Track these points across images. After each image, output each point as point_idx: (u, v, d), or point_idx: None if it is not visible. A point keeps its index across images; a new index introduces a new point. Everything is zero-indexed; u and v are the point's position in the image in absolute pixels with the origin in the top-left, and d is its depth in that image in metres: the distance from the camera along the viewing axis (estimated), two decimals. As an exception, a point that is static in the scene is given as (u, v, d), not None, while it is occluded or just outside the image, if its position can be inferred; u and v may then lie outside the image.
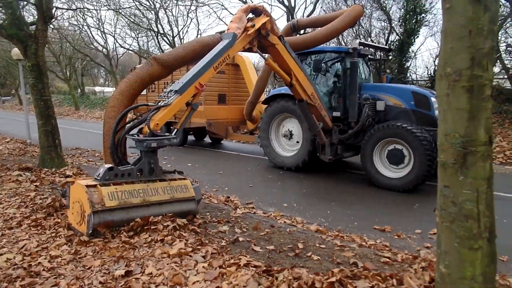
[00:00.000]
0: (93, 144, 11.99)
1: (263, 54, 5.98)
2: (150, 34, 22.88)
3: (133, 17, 20.69)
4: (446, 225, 2.11)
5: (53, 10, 7.21)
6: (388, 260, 3.71)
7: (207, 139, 13.57)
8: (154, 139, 4.13)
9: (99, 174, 3.88)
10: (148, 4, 19.43)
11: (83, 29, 24.21)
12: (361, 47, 7.49)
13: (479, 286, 2.06)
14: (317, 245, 4.10)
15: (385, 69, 9.25)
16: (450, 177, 2.04)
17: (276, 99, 8.49)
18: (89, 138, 14.19)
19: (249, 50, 5.61)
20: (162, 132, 4.36)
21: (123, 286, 2.73)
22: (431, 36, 17.71)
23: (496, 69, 12.20)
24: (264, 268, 3.11)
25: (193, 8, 20.21)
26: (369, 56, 8.52)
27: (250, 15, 5.58)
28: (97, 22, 24.06)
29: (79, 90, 33.87)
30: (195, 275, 2.94)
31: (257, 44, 5.59)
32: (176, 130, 4.48)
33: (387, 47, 10.45)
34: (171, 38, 21.42)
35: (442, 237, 2.17)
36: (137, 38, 24.79)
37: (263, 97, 10.13)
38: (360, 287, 2.36)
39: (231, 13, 43.90)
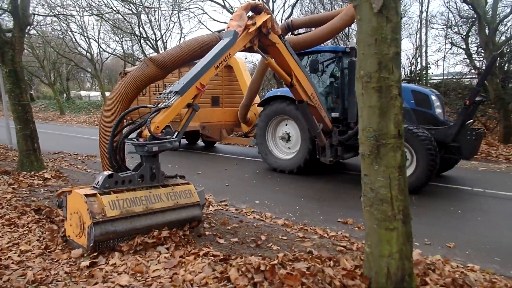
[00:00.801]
0: (76, 148, 12.11)
1: (264, 55, 5.81)
2: (134, 38, 22.98)
3: (115, 22, 20.78)
4: (367, 209, 2.39)
5: (31, 17, 7.35)
6: (343, 248, 3.99)
7: (200, 143, 13.43)
8: (155, 142, 3.90)
9: (98, 182, 3.61)
10: (130, 8, 19.53)
11: (67, 34, 24.22)
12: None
13: (396, 263, 2.35)
14: (280, 237, 4.37)
15: None
16: (368, 166, 2.33)
17: (272, 102, 8.36)
18: (72, 142, 14.26)
19: (250, 49, 5.45)
20: (163, 135, 4.11)
21: (87, 275, 2.95)
22: (407, 37, 18.37)
23: (466, 70, 12.76)
24: (222, 257, 3.36)
25: (175, 12, 20.39)
26: None
27: (250, 13, 5.42)
28: (80, 27, 23.97)
29: (64, 95, 33.71)
30: (156, 264, 3.17)
31: (257, 43, 5.45)
32: (177, 132, 4.27)
33: None
34: (154, 42, 21.57)
35: (366, 220, 2.45)
36: (121, 42, 24.92)
37: (257, 99, 10.02)
38: (297, 267, 2.63)
39: (211, 17, 44.08)
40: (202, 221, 4.48)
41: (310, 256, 2.90)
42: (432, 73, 15.11)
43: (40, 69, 28.18)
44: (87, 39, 24.66)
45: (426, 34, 15.64)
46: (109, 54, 25.83)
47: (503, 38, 12.02)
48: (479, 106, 6.84)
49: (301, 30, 9.33)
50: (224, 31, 5.31)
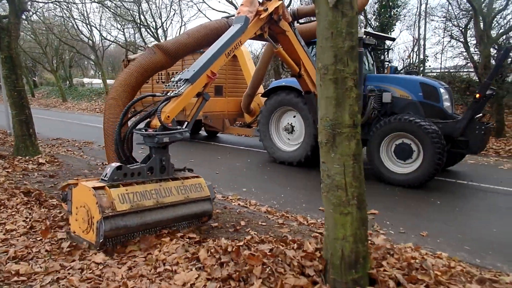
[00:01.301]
0: (75, 134, 12.28)
1: (274, 43, 5.64)
2: (135, 26, 22.97)
3: (116, 9, 20.78)
4: (324, 194, 2.52)
5: (27, 3, 7.45)
6: (318, 234, 4.13)
7: (203, 132, 13.42)
8: (166, 133, 3.73)
9: (106, 174, 3.44)
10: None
11: (69, 21, 24.27)
12: (365, 36, 7.17)
13: (350, 245, 2.49)
14: (259, 223, 4.53)
15: (389, 59, 8.95)
16: (325, 154, 2.45)
17: (277, 92, 8.20)
18: (72, 129, 14.44)
19: (260, 37, 5.28)
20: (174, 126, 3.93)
21: (66, 253, 3.13)
22: (406, 29, 18.30)
23: (463, 62, 12.73)
24: (197, 239, 3.52)
25: (175, 0, 20.36)
26: (373, 45, 8.19)
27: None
28: (82, 14, 24.05)
29: (67, 82, 33.89)
30: (133, 245, 3.34)
31: (267, 31, 5.29)
32: (187, 123, 4.12)
33: (391, 36, 10.05)
34: (155, 30, 21.59)
35: (324, 205, 2.58)
36: (123, 29, 24.95)
37: (261, 89, 9.83)
38: (261, 248, 2.78)
39: (209, 6, 43.95)
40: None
41: (275, 239, 3.05)
42: (430, 66, 15.10)
43: (43, 55, 28.31)
44: (88, 26, 24.73)
45: (425, 27, 15.56)
46: (110, 42, 25.89)
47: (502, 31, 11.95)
48: (489, 99, 6.58)
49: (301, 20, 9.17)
50: (232, 17, 5.20)
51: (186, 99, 4.03)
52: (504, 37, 10.92)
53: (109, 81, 36.26)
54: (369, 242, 3.24)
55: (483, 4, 9.93)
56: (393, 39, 8.92)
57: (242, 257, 2.76)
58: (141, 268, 2.87)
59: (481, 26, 9.74)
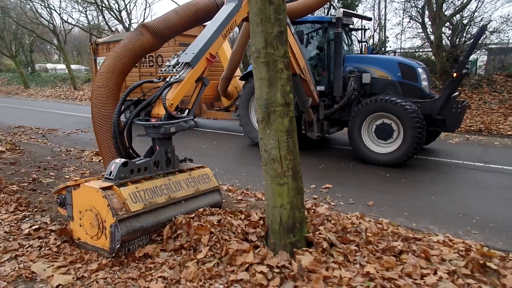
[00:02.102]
0: (39, 122, 12.01)
1: None
2: (97, 8, 22.15)
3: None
4: (263, 167, 2.78)
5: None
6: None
7: None
8: (171, 122, 3.47)
9: (110, 172, 3.13)
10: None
11: (26, 3, 23.08)
12: (343, 16, 7.00)
13: (287, 212, 2.77)
14: (219, 200, 4.78)
15: (366, 39, 8.79)
16: (262, 131, 2.69)
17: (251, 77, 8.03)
18: (36, 116, 14.06)
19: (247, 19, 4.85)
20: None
21: (26, 234, 3.26)
22: (369, 11, 18.58)
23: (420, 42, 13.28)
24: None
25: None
26: (350, 25, 8.05)
27: None
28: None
29: (29, 68, 32.43)
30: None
31: None
32: (188, 110, 3.87)
33: (368, 16, 9.99)
34: (118, 13, 20.94)
35: (264, 178, 2.85)
36: (85, 12, 24.02)
37: (238, 72, 9.60)
38: (209, 219, 3.03)
39: None
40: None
41: (224, 211, 3.31)
42: (390, 46, 15.59)
43: (0, 40, 26.90)
44: (47, 9, 23.62)
45: (385, 8, 15.98)
46: (72, 26, 24.90)
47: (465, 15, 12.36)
48: (463, 77, 6.69)
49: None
50: None
51: (188, 84, 3.77)
52: (456, 17, 11.46)
53: (73, 66, 35.07)
54: (312, 211, 3.58)
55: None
56: (370, 19, 8.92)
57: (193, 228, 3.00)
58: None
59: (434, 7, 10.19)
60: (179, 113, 3.72)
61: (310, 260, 2.64)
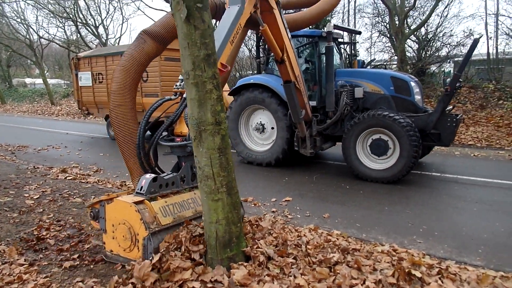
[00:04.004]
0: (11, 139, 11.84)
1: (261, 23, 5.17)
2: (77, 24, 22.09)
3: (54, 6, 19.89)
4: (199, 184, 2.86)
5: None
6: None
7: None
8: None
9: (141, 187, 3.29)
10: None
11: (1, 18, 22.80)
12: (334, 30, 7.01)
13: (223, 227, 2.85)
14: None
15: (356, 53, 8.80)
16: (196, 149, 2.79)
17: (244, 90, 7.74)
18: (8, 132, 13.84)
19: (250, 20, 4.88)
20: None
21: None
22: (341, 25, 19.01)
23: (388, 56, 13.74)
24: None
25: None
26: (339, 39, 8.02)
27: None
28: (15, 11, 22.65)
29: (6, 83, 31.89)
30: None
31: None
32: None
33: (357, 30, 10.09)
34: (94, 28, 20.92)
35: (200, 194, 2.93)
36: (63, 27, 23.88)
37: (226, 87, 9.47)
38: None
39: (146, 4, 42.99)
40: (84, 200, 4.62)
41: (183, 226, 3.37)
42: (361, 58, 16.00)
43: (-24, 55, 26.50)
44: (24, 25, 23.43)
45: (354, 22, 16.48)
46: (49, 41, 24.67)
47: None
48: (457, 91, 6.67)
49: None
50: None
51: None
52: (421, 31, 11.95)
53: (53, 81, 34.70)
54: (255, 225, 3.67)
55: (397, 4, 10.83)
56: (359, 33, 9.09)
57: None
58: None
59: (397, 23, 10.59)
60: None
61: (243, 274, 2.72)
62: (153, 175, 3.38)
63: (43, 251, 3.62)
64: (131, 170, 4.16)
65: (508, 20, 15.16)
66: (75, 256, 3.49)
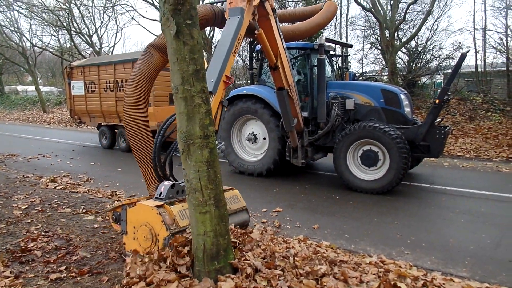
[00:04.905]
0: (1, 147, 11.75)
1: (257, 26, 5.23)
2: (71, 32, 22.10)
3: (47, 14, 19.90)
4: (187, 197, 2.88)
5: None
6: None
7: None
8: None
9: (160, 193, 3.62)
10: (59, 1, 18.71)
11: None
12: (326, 43, 7.21)
13: (211, 240, 2.86)
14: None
15: (347, 65, 8.93)
16: (184, 161, 2.81)
17: (237, 100, 7.82)
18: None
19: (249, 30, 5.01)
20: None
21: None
22: (333, 37, 19.25)
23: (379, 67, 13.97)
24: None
25: (109, 6, 19.94)
26: (331, 52, 8.21)
27: None
28: (9, 19, 22.55)
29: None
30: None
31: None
32: (215, 131, 4.08)
33: (349, 43, 10.24)
34: (88, 37, 20.95)
35: (188, 207, 2.95)
36: (57, 35, 23.84)
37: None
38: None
39: (140, 14, 43.81)
40: (74, 210, 4.89)
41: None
42: (353, 70, 16.29)
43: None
44: (16, 32, 23.38)
45: (346, 34, 16.78)
46: (42, 50, 24.61)
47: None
48: (445, 104, 6.80)
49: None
50: (217, 4, 4.97)
51: (214, 111, 3.97)
52: (412, 44, 12.20)
53: (46, 88, 34.48)
54: (246, 236, 3.68)
55: (387, 18, 11.06)
56: (351, 46, 9.29)
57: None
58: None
59: (387, 36, 10.81)
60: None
61: (231, 286, 2.73)
62: (171, 182, 3.70)
63: (30, 263, 3.59)
64: (147, 179, 4.38)
65: (495, 34, 15.56)
66: (62, 268, 3.47)
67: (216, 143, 3.92)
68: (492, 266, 3.82)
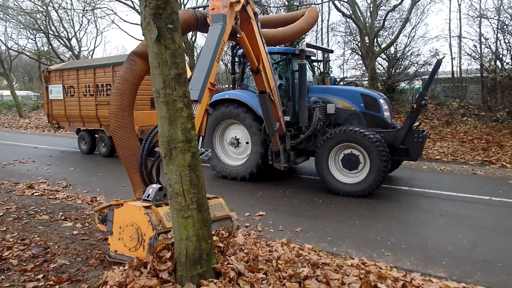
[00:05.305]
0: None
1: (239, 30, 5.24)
2: (50, 35, 21.59)
3: (24, 17, 19.38)
4: (170, 202, 2.86)
5: None
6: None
7: None
8: None
9: (148, 195, 3.70)
10: (36, 4, 18.29)
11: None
12: (307, 48, 7.28)
13: (193, 244, 2.85)
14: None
15: (328, 70, 9.08)
16: (166, 166, 2.80)
17: (220, 105, 7.81)
18: (-29, 146, 13.24)
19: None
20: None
21: None
22: (315, 42, 19.50)
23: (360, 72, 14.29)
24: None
25: (88, 9, 19.63)
26: (312, 57, 8.32)
27: None
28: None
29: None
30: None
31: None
32: (201, 138, 4.22)
33: (330, 48, 10.37)
34: (67, 40, 20.51)
35: (171, 211, 2.92)
36: (35, 38, 23.23)
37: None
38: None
39: (120, 18, 43.33)
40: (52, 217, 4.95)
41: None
42: (334, 75, 16.58)
43: None
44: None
45: (327, 40, 17.07)
46: (18, 53, 23.94)
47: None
48: (423, 108, 6.99)
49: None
50: (199, 9, 4.96)
51: (199, 119, 4.04)
52: (391, 50, 12.52)
53: (22, 92, 33.51)
54: (230, 240, 3.68)
55: (367, 24, 11.34)
56: (331, 51, 9.30)
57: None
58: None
59: (367, 42, 11.06)
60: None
61: (213, 291, 2.72)
62: (159, 185, 3.80)
63: (5, 271, 3.47)
64: (134, 184, 4.45)
65: (470, 42, 16.18)
66: (40, 276, 3.37)
67: (203, 150, 4.10)
68: (468, 266, 3.93)
